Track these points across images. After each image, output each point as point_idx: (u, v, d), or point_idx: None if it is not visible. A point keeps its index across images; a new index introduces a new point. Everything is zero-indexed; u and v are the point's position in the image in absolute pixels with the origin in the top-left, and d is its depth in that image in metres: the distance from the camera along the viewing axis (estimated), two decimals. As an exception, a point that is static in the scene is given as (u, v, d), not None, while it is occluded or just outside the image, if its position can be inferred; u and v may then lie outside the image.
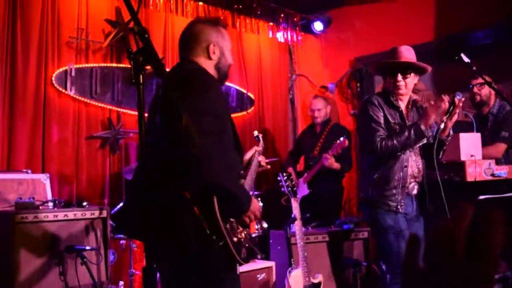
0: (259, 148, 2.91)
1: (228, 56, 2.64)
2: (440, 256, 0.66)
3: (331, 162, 5.36)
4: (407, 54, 3.69)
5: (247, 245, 2.43)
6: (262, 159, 2.84)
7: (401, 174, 3.60)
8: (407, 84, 3.68)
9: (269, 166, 2.88)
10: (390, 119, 3.66)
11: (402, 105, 3.73)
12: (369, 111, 3.67)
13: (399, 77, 3.65)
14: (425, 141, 3.58)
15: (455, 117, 3.50)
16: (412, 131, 3.50)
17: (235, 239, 2.34)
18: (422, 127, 3.49)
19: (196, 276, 2.33)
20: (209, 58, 2.56)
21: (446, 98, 3.48)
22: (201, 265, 2.30)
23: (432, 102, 3.60)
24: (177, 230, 2.28)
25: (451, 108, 3.46)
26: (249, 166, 2.78)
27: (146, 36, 1.66)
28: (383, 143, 3.54)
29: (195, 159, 2.18)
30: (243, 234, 2.42)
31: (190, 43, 2.58)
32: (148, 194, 2.33)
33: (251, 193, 2.59)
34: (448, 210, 3.42)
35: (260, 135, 3.31)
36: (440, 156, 3.63)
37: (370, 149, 3.62)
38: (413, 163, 3.67)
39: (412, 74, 3.68)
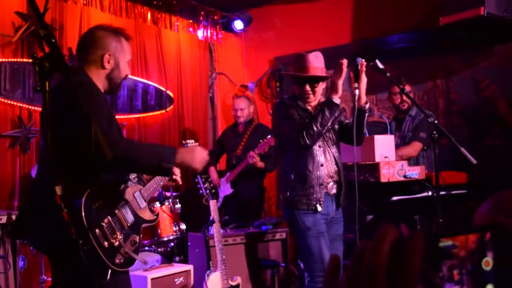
0: None
1: (123, 68, 2.68)
2: (360, 282, 0.64)
3: (256, 160, 5.35)
4: (316, 62, 3.68)
5: (125, 251, 2.47)
6: (177, 172, 2.71)
7: (318, 172, 3.63)
8: (316, 93, 3.73)
9: (180, 182, 2.79)
10: (304, 117, 3.68)
11: (311, 108, 3.76)
12: (283, 110, 3.70)
13: (307, 87, 3.69)
14: (341, 113, 3.65)
15: (364, 80, 3.54)
16: (325, 107, 3.54)
17: (105, 243, 2.38)
18: (333, 97, 3.53)
19: (72, 278, 2.38)
20: (102, 67, 2.60)
21: (343, 61, 3.51)
22: (74, 267, 2.32)
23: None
24: (52, 234, 2.37)
25: (357, 73, 3.52)
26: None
27: (53, 40, 1.56)
28: (304, 131, 3.53)
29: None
30: (118, 241, 2.45)
31: (88, 48, 2.62)
32: (35, 199, 2.47)
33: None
34: (359, 209, 3.50)
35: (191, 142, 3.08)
36: (364, 131, 3.71)
37: (295, 140, 3.58)
38: (329, 162, 3.70)
39: (320, 83, 3.73)
